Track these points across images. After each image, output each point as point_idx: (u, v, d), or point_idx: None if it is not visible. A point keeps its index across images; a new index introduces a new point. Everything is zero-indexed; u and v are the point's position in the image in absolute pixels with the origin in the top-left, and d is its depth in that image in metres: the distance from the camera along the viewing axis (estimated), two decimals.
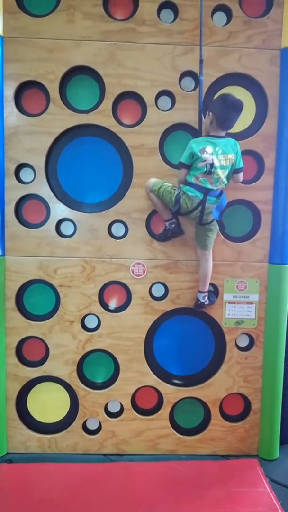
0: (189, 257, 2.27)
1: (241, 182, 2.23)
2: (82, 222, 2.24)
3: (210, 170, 2.00)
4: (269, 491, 1.99)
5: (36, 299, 2.30)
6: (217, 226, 2.15)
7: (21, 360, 2.30)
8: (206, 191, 2.03)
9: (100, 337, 2.29)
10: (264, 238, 2.28)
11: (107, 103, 2.17)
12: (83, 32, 2.12)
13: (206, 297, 2.23)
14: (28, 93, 2.19)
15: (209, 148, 2.01)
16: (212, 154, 2.00)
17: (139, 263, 2.26)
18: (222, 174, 2.03)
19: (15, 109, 2.16)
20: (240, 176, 2.14)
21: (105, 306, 2.30)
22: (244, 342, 2.36)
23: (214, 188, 2.03)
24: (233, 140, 2.08)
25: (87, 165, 2.26)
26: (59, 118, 2.16)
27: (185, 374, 2.40)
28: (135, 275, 2.27)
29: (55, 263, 2.24)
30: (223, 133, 2.06)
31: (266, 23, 2.17)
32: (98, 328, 2.29)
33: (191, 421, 2.43)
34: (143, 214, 2.25)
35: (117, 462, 2.26)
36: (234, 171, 2.10)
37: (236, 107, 2.00)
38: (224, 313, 2.30)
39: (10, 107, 2.15)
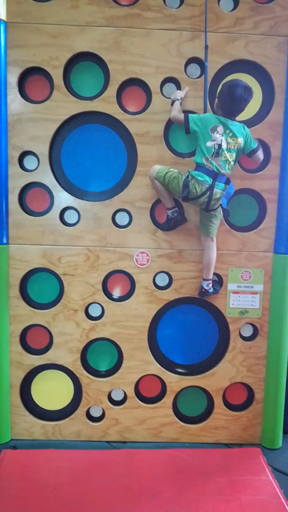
0: (193, 246, 2.26)
1: (246, 171, 2.21)
2: (86, 211, 2.24)
3: (218, 151, 1.99)
4: (271, 479, 2.00)
5: (40, 287, 2.31)
6: (221, 213, 2.13)
7: (25, 348, 2.32)
8: (215, 176, 2.01)
9: (104, 325, 2.29)
10: (269, 228, 2.27)
11: (112, 90, 2.15)
12: (88, 18, 2.10)
13: (210, 285, 2.21)
14: (32, 79, 2.17)
15: (220, 128, 2.00)
16: (222, 135, 1.99)
17: (143, 252, 2.26)
18: (230, 157, 2.02)
19: (19, 96, 2.14)
20: (259, 155, 2.13)
21: (109, 295, 2.30)
22: (248, 332, 2.36)
23: (222, 171, 2.01)
24: (242, 124, 2.06)
25: (91, 153, 2.24)
26: (63, 105, 2.14)
27: (189, 363, 2.40)
28: (139, 264, 2.26)
29: (59, 251, 2.24)
30: (229, 118, 2.03)
31: (273, 8, 2.13)
32: (102, 316, 2.29)
33: (194, 409, 2.44)
34: (147, 203, 2.24)
35: (120, 449, 2.28)
36: (250, 153, 2.09)
37: (240, 99, 1.97)
38: (228, 303, 2.30)
39: (13, 94, 2.14)
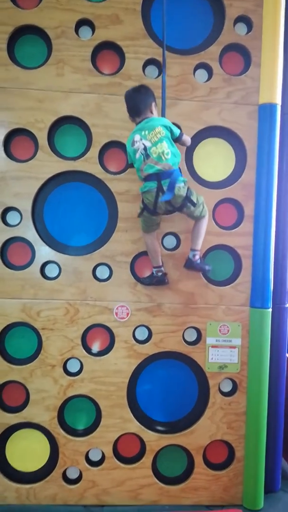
0: (173, 300, 2.30)
1: (222, 228, 2.31)
2: (67, 265, 2.26)
3: (146, 154, 2.02)
4: None
5: (18, 342, 2.27)
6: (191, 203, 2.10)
7: (0, 406, 2.24)
8: (157, 178, 2.01)
9: (82, 381, 2.25)
10: (245, 282, 2.33)
11: (94, 151, 2.25)
12: (72, 85, 2.23)
13: (197, 257, 2.19)
14: (17, 139, 2.25)
15: (137, 137, 2.05)
16: (141, 139, 2.03)
17: (122, 306, 2.27)
18: (160, 148, 2.00)
19: (4, 155, 2.21)
20: (186, 139, 2.16)
21: (88, 349, 2.28)
22: (227, 387, 2.35)
23: (161, 165, 2.00)
24: (153, 117, 2.09)
25: (73, 209, 2.30)
26: (47, 164, 2.22)
27: (168, 420, 2.36)
28: (118, 317, 2.27)
29: (38, 305, 2.23)
30: (140, 118, 2.09)
31: (244, 80, 2.32)
32: (81, 372, 2.25)
33: (174, 469, 2.37)
34: (127, 257, 2.28)
35: None
36: (176, 140, 2.10)
37: (128, 97, 2.09)
38: (208, 357, 2.31)
39: None
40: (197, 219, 2.17)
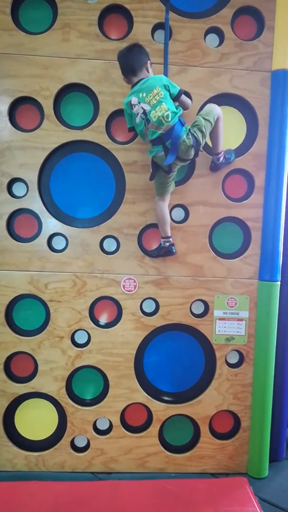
0: (180, 273, 2.28)
1: (231, 200, 2.27)
2: (74, 237, 2.24)
3: (146, 118, 1.95)
4: (258, 510, 1.98)
5: (26, 314, 2.28)
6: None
7: (9, 376, 2.27)
8: (161, 141, 1.96)
9: (90, 353, 2.27)
10: (254, 255, 2.31)
11: (101, 120, 2.19)
12: (78, 51, 2.15)
13: (222, 158, 2.16)
14: (23, 108, 2.20)
15: (134, 99, 1.97)
16: (139, 102, 1.95)
17: (130, 279, 2.27)
18: (160, 111, 1.92)
19: (9, 124, 2.17)
20: (186, 101, 2.08)
21: (95, 321, 2.29)
22: (234, 358, 2.37)
23: (164, 126, 1.93)
24: (155, 76, 2.02)
25: (80, 180, 2.27)
26: (53, 134, 2.18)
27: (175, 391, 2.39)
28: (126, 290, 2.27)
29: (45, 277, 2.23)
30: (137, 78, 2.02)
31: (257, 45, 2.23)
32: (88, 344, 2.27)
33: (180, 438, 2.42)
34: (135, 230, 2.26)
35: (105, 480, 2.23)
36: (174, 98, 2.00)
37: (122, 57, 2.03)
38: (215, 330, 2.31)
39: (4, 122, 2.16)
40: (164, 195, 2.15)
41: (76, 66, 2.16)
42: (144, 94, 1.94)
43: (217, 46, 2.23)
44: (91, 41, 2.16)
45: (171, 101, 1.98)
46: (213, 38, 2.25)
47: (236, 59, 2.22)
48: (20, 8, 2.18)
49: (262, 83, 2.23)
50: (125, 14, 2.18)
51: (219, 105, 2.19)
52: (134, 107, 1.98)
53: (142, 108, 1.95)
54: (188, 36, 2.18)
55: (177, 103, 2.04)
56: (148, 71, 2.03)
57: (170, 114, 1.93)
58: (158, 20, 2.16)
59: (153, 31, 2.19)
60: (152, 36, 2.19)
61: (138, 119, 1.99)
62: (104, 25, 2.20)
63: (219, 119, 2.07)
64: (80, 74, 2.16)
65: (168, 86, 1.98)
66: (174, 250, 2.21)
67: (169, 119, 1.93)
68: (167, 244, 2.20)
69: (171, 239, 2.20)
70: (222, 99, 2.23)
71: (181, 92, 2.02)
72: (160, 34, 2.21)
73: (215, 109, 2.06)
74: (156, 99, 1.93)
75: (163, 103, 1.93)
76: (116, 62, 2.14)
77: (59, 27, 2.15)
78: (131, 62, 2.02)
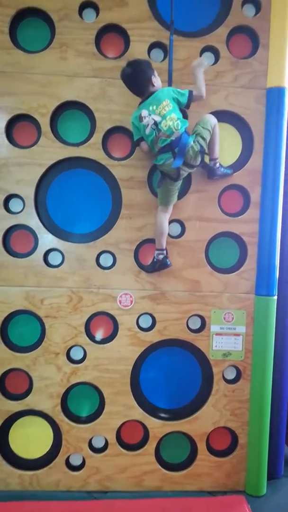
0: (177, 288, 2.28)
1: (228, 215, 2.29)
2: (70, 252, 2.24)
3: (157, 128, 2.03)
4: None
5: (21, 330, 2.27)
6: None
7: (3, 393, 2.25)
8: (170, 148, 2.04)
9: (85, 369, 2.25)
10: (250, 270, 2.31)
11: (98, 137, 2.21)
12: (76, 69, 2.18)
13: (218, 164, 2.21)
14: (20, 125, 2.22)
15: (144, 112, 2.05)
16: (150, 114, 2.03)
17: (126, 294, 2.26)
18: (170, 120, 2.02)
19: (6, 141, 2.18)
20: (196, 98, 2.11)
21: (91, 337, 2.28)
22: (231, 374, 2.35)
23: (174, 135, 2.02)
24: (163, 89, 2.08)
25: (76, 196, 2.28)
26: (50, 151, 2.19)
27: (172, 408, 2.36)
28: (122, 305, 2.26)
29: (41, 293, 2.22)
30: (146, 94, 2.08)
31: (252, 63, 2.26)
32: (84, 360, 2.25)
33: (177, 456, 2.38)
34: (131, 245, 2.26)
35: (100, 500, 2.19)
36: (186, 106, 2.10)
37: (126, 80, 2.06)
38: (212, 345, 2.30)
39: (1, 139, 2.18)
40: (169, 205, 2.19)
41: (73, 84, 2.18)
42: (154, 107, 2.03)
43: (213, 64, 2.26)
44: (88, 60, 2.19)
45: (179, 112, 2.08)
46: (209, 56, 2.28)
47: (231, 77, 2.25)
48: (18, 27, 2.21)
49: (257, 100, 2.26)
50: (122, 34, 2.22)
51: None
52: (144, 119, 2.04)
53: (153, 119, 2.03)
54: (184, 54, 2.21)
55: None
56: (154, 85, 2.08)
57: (179, 123, 2.03)
58: (155, 39, 2.20)
59: (150, 49, 2.22)
60: (149, 55, 2.22)
61: (148, 130, 2.05)
62: (101, 44, 2.23)
63: (215, 127, 2.16)
64: (77, 91, 2.19)
65: (176, 98, 2.07)
66: (168, 262, 2.21)
67: (179, 127, 2.03)
68: (161, 256, 2.20)
69: (165, 252, 2.21)
70: (218, 115, 2.24)
71: (191, 93, 2.09)
72: (156, 53, 2.25)
73: (211, 119, 2.15)
74: (166, 110, 2.03)
75: (173, 113, 2.03)
76: (112, 80, 2.18)
77: (56, 46, 2.18)
78: (136, 84, 2.07)
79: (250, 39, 2.30)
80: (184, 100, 2.08)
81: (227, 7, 2.25)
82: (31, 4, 2.15)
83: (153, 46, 2.22)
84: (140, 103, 2.09)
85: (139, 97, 2.10)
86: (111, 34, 2.23)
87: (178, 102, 2.08)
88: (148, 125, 2.04)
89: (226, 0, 2.26)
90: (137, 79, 2.05)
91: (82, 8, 2.19)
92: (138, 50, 2.20)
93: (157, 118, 2.02)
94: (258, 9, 2.27)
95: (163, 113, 2.02)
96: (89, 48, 2.19)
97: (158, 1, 2.24)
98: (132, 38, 2.19)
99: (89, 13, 2.21)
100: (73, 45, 2.18)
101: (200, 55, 2.24)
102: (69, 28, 2.17)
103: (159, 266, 2.22)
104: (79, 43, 2.18)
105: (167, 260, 2.21)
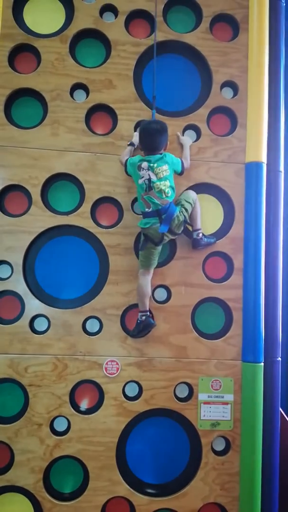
0: (163, 354, 2.27)
1: (212, 281, 2.34)
2: (56, 318, 2.24)
3: (149, 185, 2.12)
4: None
5: (4, 399, 2.20)
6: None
7: None
8: (158, 213, 2.13)
9: (69, 441, 2.16)
10: (236, 335, 2.32)
11: (87, 206, 2.30)
12: (66, 144, 2.32)
13: (201, 234, 2.29)
14: (11, 195, 2.30)
15: (144, 164, 2.15)
16: (148, 169, 2.13)
17: (112, 361, 2.24)
18: (163, 185, 2.13)
19: None
20: (186, 167, 2.30)
21: (76, 407, 2.21)
22: (220, 445, 2.28)
23: (161, 200, 2.13)
24: (164, 153, 2.21)
25: (65, 262, 2.32)
26: (40, 219, 2.27)
27: (159, 482, 2.26)
28: (108, 373, 2.23)
29: (26, 360, 2.19)
30: (153, 153, 2.19)
31: (231, 140, 2.43)
32: (68, 431, 2.17)
33: None
34: (118, 310, 2.28)
35: None
36: (180, 174, 2.27)
37: (154, 132, 2.16)
38: (200, 415, 2.25)
39: None
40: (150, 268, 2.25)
41: (64, 158, 2.31)
42: (155, 165, 2.14)
43: (195, 141, 2.42)
44: (78, 136, 2.33)
45: (173, 180, 2.20)
46: (191, 134, 2.45)
47: (212, 153, 2.41)
48: (13, 105, 2.36)
49: (236, 174, 2.40)
50: (110, 113, 2.39)
51: (197, 193, 2.35)
52: (142, 170, 2.15)
53: (149, 175, 2.13)
54: (168, 132, 2.36)
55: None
56: (164, 149, 2.24)
57: (170, 190, 2.16)
58: (140, 118, 2.37)
59: (136, 127, 2.37)
60: (135, 131, 2.37)
61: (141, 182, 2.15)
62: (91, 122, 2.39)
63: (196, 201, 2.30)
64: (67, 164, 2.31)
65: (175, 169, 2.23)
66: (152, 321, 2.22)
67: (169, 194, 2.16)
68: (144, 317, 2.21)
69: (148, 313, 2.22)
70: (200, 187, 2.39)
71: (182, 162, 2.27)
72: None
73: (192, 194, 2.31)
74: (163, 174, 2.15)
75: (168, 180, 2.16)
76: (101, 154, 2.31)
77: (48, 123, 2.32)
78: (155, 141, 2.19)
79: (229, 119, 2.49)
80: (178, 168, 2.24)
81: (208, 89, 2.46)
82: (25, 85, 2.32)
83: (139, 124, 2.37)
84: (144, 155, 2.20)
85: (145, 151, 2.21)
86: (100, 113, 2.39)
87: (174, 170, 2.22)
88: (142, 177, 2.15)
89: (206, 83, 2.47)
90: (159, 137, 2.18)
91: (73, 89, 2.37)
92: (125, 127, 2.36)
93: (153, 177, 2.13)
94: (236, 91, 2.48)
95: (160, 176, 2.13)
96: (80, 126, 2.34)
97: (144, 85, 2.45)
98: (120, 117, 2.36)
99: (79, 93, 2.39)
100: (64, 122, 2.33)
101: (183, 133, 2.41)
102: (61, 107, 2.33)
103: (143, 327, 2.21)
104: (70, 120, 2.33)
105: (151, 319, 2.22)
